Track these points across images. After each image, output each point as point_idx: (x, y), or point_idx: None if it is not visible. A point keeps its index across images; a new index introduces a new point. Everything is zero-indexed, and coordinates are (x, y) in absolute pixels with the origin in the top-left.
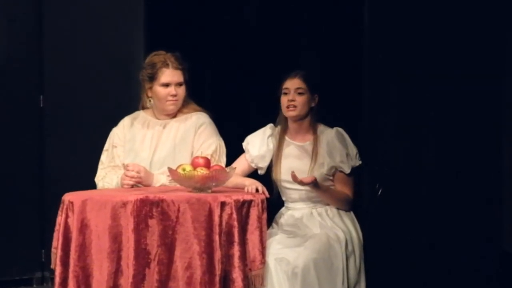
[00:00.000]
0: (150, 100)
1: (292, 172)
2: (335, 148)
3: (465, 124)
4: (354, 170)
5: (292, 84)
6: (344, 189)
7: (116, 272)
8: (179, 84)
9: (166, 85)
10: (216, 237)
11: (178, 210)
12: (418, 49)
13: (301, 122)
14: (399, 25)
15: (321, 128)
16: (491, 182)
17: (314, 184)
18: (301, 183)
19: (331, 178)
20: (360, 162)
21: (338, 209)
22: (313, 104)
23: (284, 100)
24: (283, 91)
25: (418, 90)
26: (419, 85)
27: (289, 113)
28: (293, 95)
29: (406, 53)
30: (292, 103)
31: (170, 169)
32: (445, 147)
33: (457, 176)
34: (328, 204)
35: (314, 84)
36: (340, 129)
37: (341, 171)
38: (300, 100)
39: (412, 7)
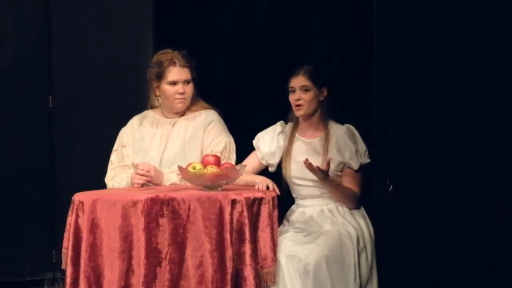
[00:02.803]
0: (158, 99)
1: (306, 159)
2: (344, 145)
3: (476, 121)
4: (363, 167)
5: (297, 82)
6: (351, 185)
7: (127, 272)
8: (187, 82)
9: (174, 83)
10: (227, 235)
11: (189, 208)
12: (429, 46)
13: (310, 118)
14: (409, 21)
15: (331, 124)
16: (503, 178)
17: (325, 176)
18: (318, 169)
19: (339, 174)
20: (369, 160)
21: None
22: (321, 98)
23: (291, 99)
24: (290, 89)
25: (429, 87)
26: (429, 82)
27: (298, 112)
28: (298, 93)
29: (417, 50)
30: (299, 102)
31: (180, 168)
32: (456, 144)
33: (468, 172)
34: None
35: (320, 78)
36: (351, 126)
37: (349, 167)
38: (306, 97)
39: (423, 3)
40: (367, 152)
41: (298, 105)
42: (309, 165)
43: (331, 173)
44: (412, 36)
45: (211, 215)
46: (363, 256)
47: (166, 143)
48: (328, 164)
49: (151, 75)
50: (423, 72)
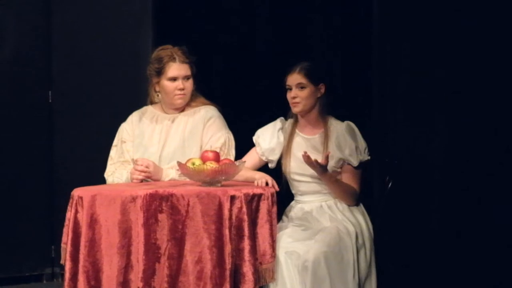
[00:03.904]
0: (158, 95)
1: (305, 152)
2: (344, 141)
3: (477, 119)
4: (363, 164)
5: (293, 80)
6: (351, 181)
7: (126, 267)
8: (187, 78)
9: (174, 79)
10: (226, 231)
11: (188, 204)
12: (427, 42)
13: (308, 114)
14: (408, 17)
15: (331, 121)
16: (503, 176)
17: (323, 170)
18: (316, 163)
19: (339, 170)
20: (369, 157)
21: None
22: (319, 95)
23: (288, 96)
24: (286, 87)
25: (427, 83)
26: (428, 78)
27: (295, 110)
28: (295, 91)
29: (416, 46)
30: (295, 99)
31: (179, 163)
32: (456, 141)
33: (468, 170)
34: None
35: (315, 75)
36: (351, 123)
37: (348, 164)
38: (302, 94)
39: (423, 2)
40: (367, 149)
41: (295, 102)
42: (307, 158)
43: (331, 169)
44: (412, 34)
45: (210, 211)
46: (362, 253)
47: (166, 139)
48: (327, 158)
49: (151, 71)
50: (423, 71)
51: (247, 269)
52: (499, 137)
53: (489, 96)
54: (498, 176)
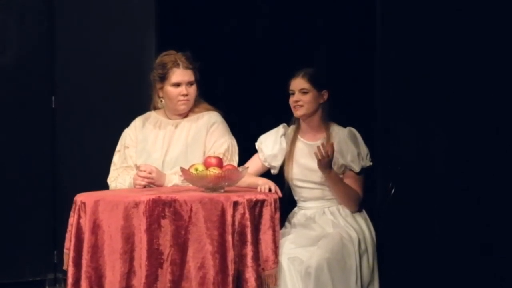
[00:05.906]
0: (161, 101)
1: (322, 143)
2: (346, 147)
3: (480, 123)
4: (365, 170)
5: (296, 84)
6: (353, 187)
7: (129, 273)
8: (190, 84)
9: (177, 84)
10: (229, 237)
11: (191, 210)
12: (431, 47)
13: (310, 119)
14: (412, 22)
15: (333, 127)
16: (507, 181)
17: (328, 166)
18: (322, 146)
19: (341, 176)
20: (371, 163)
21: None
22: (321, 101)
23: (290, 101)
24: (290, 92)
25: (431, 90)
26: (432, 85)
27: (296, 113)
28: (297, 95)
29: (420, 51)
30: (297, 103)
31: (182, 169)
32: (458, 146)
33: (472, 175)
34: (340, 203)
35: (319, 81)
36: (353, 129)
37: (350, 170)
38: (304, 99)
39: (426, 3)
40: (369, 155)
41: (297, 106)
42: (323, 147)
43: None
44: (414, 36)
45: (213, 216)
46: (364, 259)
47: (169, 145)
48: (332, 146)
49: (155, 76)
50: (426, 78)
51: (250, 275)
52: (504, 142)
53: (491, 99)
54: (503, 182)
